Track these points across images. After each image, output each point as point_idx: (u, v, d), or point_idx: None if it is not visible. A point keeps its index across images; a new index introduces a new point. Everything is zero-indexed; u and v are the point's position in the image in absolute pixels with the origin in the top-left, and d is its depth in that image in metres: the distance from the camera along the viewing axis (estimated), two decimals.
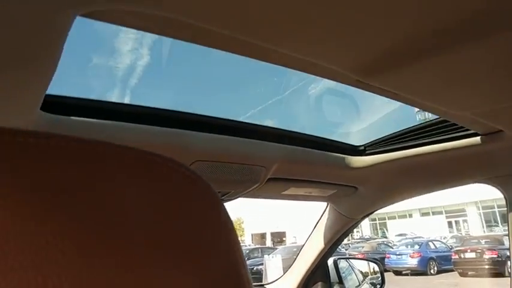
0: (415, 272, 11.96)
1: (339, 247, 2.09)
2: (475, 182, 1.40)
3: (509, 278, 1.41)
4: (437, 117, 1.07)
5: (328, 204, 1.70)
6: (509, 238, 1.36)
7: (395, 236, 20.97)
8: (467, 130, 1.09)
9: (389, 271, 11.74)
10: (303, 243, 1.88)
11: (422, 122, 1.19)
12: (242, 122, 1.12)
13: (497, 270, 9.95)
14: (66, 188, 0.24)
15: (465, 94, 0.75)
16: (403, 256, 12.56)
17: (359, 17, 0.49)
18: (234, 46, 0.59)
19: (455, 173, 1.35)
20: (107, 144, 0.27)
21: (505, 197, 1.35)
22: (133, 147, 0.28)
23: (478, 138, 1.09)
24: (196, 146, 0.97)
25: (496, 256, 10.21)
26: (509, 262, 8.71)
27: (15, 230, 0.21)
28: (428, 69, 0.64)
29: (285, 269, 1.93)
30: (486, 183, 1.37)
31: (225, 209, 0.30)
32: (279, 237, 25.54)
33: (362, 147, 1.32)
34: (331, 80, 0.70)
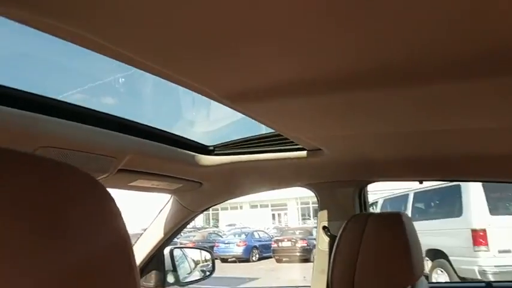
0: (240, 259, 13.06)
1: None
2: (298, 186, 1.70)
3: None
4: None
5: (171, 197, 1.76)
6: (317, 230, 1.68)
7: (226, 226, 22.38)
8: (297, 145, 1.32)
9: (217, 259, 12.49)
10: (134, 232, 1.89)
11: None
12: (95, 111, 1.07)
13: (305, 257, 11.70)
14: None
15: (301, 124, 1.02)
16: (230, 245, 13.52)
17: (238, 51, 0.57)
18: (108, 52, 0.61)
19: (284, 177, 1.61)
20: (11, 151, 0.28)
21: (317, 199, 1.67)
22: (33, 154, 0.30)
23: (304, 152, 1.35)
24: (40, 131, 0.89)
25: (305, 245, 12.01)
26: (314, 250, 10.36)
27: None
28: (281, 106, 0.84)
29: None
30: (306, 188, 1.68)
31: (112, 199, 0.35)
32: None
33: (212, 147, 1.43)
34: (199, 94, 0.77)
